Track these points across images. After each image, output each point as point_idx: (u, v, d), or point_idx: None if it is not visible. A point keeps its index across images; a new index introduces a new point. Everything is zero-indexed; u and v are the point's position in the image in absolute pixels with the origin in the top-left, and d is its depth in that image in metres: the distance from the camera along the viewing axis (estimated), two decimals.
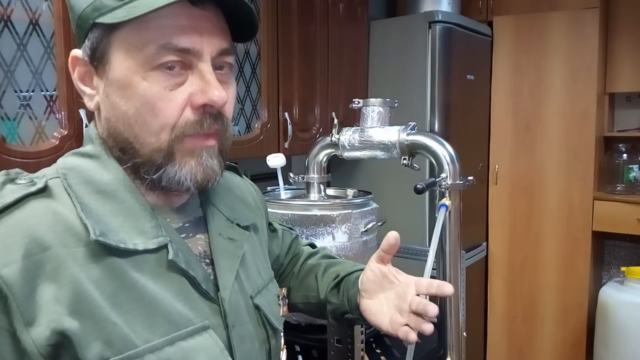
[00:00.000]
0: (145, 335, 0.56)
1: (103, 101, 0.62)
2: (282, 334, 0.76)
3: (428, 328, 0.73)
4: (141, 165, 0.61)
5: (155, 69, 0.58)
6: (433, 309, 0.73)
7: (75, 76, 0.64)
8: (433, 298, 0.77)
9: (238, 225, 0.73)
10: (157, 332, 0.56)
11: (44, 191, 0.57)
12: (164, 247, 0.60)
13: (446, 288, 0.75)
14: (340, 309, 0.88)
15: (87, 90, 0.63)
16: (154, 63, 0.58)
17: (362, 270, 0.85)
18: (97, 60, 0.60)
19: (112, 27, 0.58)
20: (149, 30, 0.57)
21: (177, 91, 0.59)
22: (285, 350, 0.77)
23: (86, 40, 0.61)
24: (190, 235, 0.67)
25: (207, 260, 0.67)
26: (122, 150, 0.61)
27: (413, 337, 0.74)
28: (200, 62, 0.59)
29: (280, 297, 0.77)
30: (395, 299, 0.79)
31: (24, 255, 0.53)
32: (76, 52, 0.63)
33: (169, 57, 0.58)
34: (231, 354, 0.63)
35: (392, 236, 0.79)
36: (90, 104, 0.64)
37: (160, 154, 0.60)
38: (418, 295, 0.76)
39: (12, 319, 0.52)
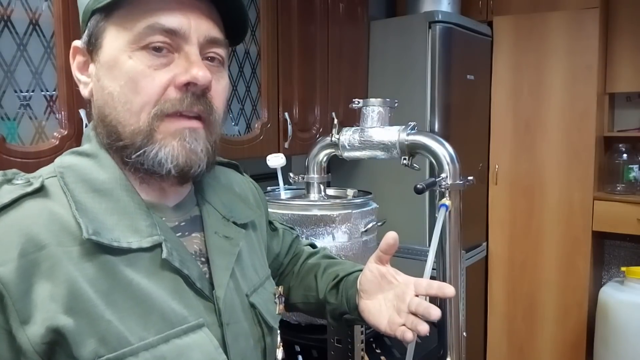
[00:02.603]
0: (140, 333, 0.56)
1: (95, 85, 0.63)
2: (278, 332, 0.76)
3: (423, 328, 0.72)
4: (123, 149, 0.61)
5: (141, 49, 0.59)
6: (436, 312, 0.72)
7: (74, 66, 0.66)
8: (432, 299, 0.77)
9: (234, 223, 0.73)
10: (151, 330, 0.57)
11: (40, 191, 0.58)
12: (158, 245, 0.60)
13: (447, 290, 0.74)
14: (339, 309, 0.87)
15: (82, 78, 0.65)
16: (140, 42, 0.59)
17: (362, 270, 0.85)
18: (92, 46, 0.62)
19: (107, 13, 0.60)
20: (138, 12, 0.59)
21: (161, 71, 0.60)
22: (281, 348, 0.77)
23: (86, 30, 0.63)
24: (186, 233, 0.67)
25: (203, 259, 0.67)
26: (108, 134, 0.62)
27: (409, 336, 0.73)
28: (187, 45, 0.61)
29: (277, 295, 0.77)
30: (394, 300, 0.78)
31: (20, 254, 0.53)
32: (76, 43, 0.65)
33: (155, 37, 0.59)
34: (225, 352, 0.63)
35: (391, 236, 0.79)
36: (84, 92, 0.65)
37: (140, 136, 0.60)
38: (417, 296, 0.76)
39: (8, 317, 0.52)
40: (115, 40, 0.60)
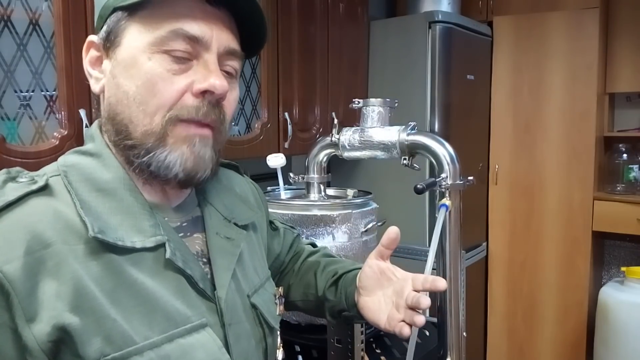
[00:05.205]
0: (145, 332, 0.56)
1: (108, 82, 0.63)
2: (278, 332, 0.77)
3: (419, 320, 0.73)
4: (131, 148, 0.61)
5: (162, 53, 0.60)
6: (425, 301, 0.72)
7: (86, 60, 0.66)
8: (433, 295, 0.77)
9: (236, 224, 0.73)
10: (156, 329, 0.57)
11: (44, 189, 0.58)
12: (161, 245, 0.61)
13: (439, 283, 0.74)
14: (337, 307, 0.88)
15: (94, 73, 0.65)
16: (162, 46, 0.60)
17: (361, 268, 0.85)
18: (110, 42, 0.63)
19: (130, 12, 0.61)
20: (163, 15, 0.60)
21: (179, 76, 0.61)
22: (282, 349, 0.77)
23: (104, 26, 0.63)
24: (188, 234, 0.68)
25: (205, 259, 0.67)
26: (117, 132, 0.62)
27: (407, 331, 0.74)
28: (207, 53, 0.62)
29: (277, 296, 0.77)
30: (392, 296, 0.78)
31: (26, 252, 0.53)
32: (92, 37, 0.65)
33: (178, 43, 0.60)
34: (228, 352, 0.63)
35: (393, 231, 0.79)
36: (96, 87, 0.65)
37: (152, 137, 0.60)
38: (415, 291, 0.76)
39: (14, 315, 0.52)
40: (135, 39, 0.60)
